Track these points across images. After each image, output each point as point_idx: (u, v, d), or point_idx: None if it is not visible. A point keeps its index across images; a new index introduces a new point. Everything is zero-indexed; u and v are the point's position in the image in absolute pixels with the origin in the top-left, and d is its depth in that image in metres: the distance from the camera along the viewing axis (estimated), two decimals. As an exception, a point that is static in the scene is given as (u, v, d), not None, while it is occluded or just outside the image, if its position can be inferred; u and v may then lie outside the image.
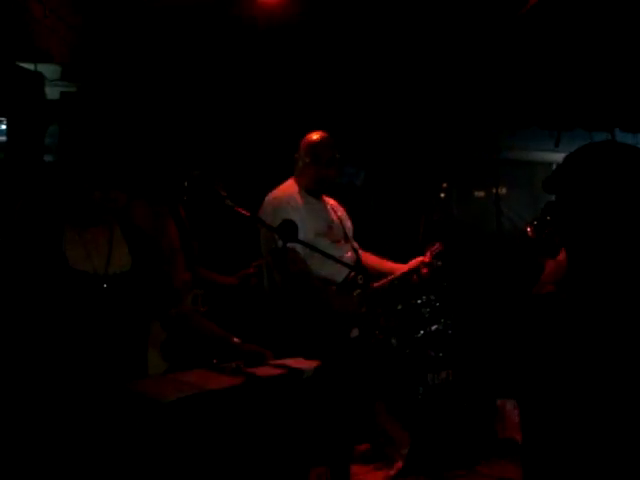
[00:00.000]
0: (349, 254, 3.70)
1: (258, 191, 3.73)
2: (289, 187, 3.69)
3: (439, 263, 4.07)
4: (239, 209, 2.84)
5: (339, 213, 3.85)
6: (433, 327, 4.53)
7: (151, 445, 1.96)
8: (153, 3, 4.48)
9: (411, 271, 3.99)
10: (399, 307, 4.58)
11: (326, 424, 3.25)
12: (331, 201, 3.89)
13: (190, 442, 2.01)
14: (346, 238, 3.78)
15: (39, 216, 2.32)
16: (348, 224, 3.90)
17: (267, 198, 3.63)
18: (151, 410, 1.95)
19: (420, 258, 4.03)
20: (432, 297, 4.57)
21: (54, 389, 2.15)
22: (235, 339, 2.44)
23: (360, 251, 3.87)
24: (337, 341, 3.42)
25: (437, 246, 4.09)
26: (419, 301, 4.56)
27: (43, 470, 2.09)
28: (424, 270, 4.01)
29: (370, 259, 3.97)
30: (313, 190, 3.70)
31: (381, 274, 3.94)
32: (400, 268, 4.00)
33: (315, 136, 3.70)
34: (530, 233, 3.78)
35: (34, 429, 2.12)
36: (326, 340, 3.33)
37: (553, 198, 1.96)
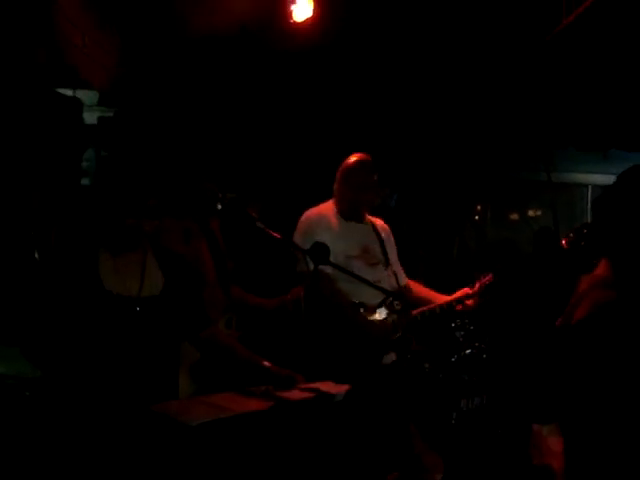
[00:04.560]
0: (387, 278, 3.63)
1: (297, 211, 3.73)
2: (325, 208, 3.67)
3: (487, 297, 3.79)
4: (271, 232, 2.85)
5: (383, 235, 3.77)
6: (467, 351, 4.47)
7: (178, 467, 1.96)
8: (188, 30, 4.55)
9: (456, 302, 3.78)
10: (432, 330, 4.53)
11: (357, 449, 3.21)
12: (378, 222, 3.81)
13: (217, 465, 2.01)
14: (386, 262, 3.71)
15: (75, 239, 2.36)
16: (391, 247, 3.81)
17: (302, 217, 3.62)
18: (178, 432, 1.96)
19: (466, 289, 3.81)
20: (466, 321, 4.51)
21: (87, 408, 2.18)
22: (265, 363, 2.44)
23: (402, 276, 3.80)
24: (367, 365, 3.39)
25: (488, 278, 3.79)
26: (453, 325, 4.50)
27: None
28: (469, 302, 3.78)
29: (415, 288, 3.88)
30: (349, 213, 3.66)
31: (424, 303, 3.79)
32: (444, 298, 3.80)
33: (352, 159, 3.67)
34: (565, 245, 3.69)
35: (65, 446, 2.14)
36: (356, 364, 3.30)
37: (589, 220, 1.96)
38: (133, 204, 2.24)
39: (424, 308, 3.74)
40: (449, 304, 3.78)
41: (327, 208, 3.68)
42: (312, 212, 3.65)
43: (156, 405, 2.13)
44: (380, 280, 3.52)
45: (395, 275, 3.72)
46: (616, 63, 5.11)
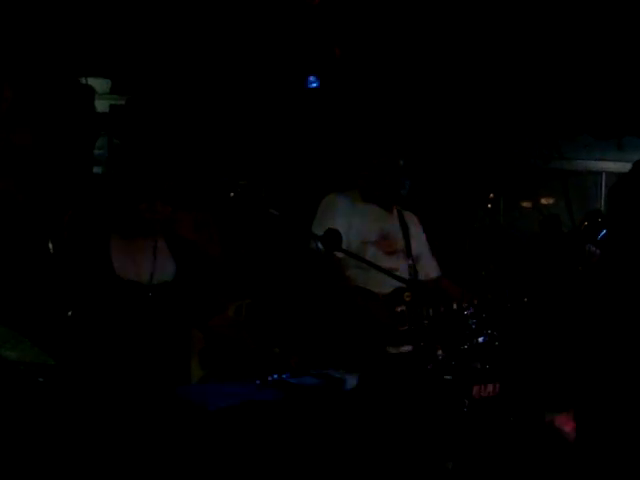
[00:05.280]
0: (403, 269, 3.60)
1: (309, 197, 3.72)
2: (349, 192, 3.64)
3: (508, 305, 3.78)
4: (283, 218, 2.85)
5: (409, 226, 3.69)
6: (480, 339, 4.45)
7: (194, 450, 1.97)
8: (200, 17, 4.55)
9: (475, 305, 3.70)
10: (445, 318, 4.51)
11: (369, 437, 3.22)
12: (408, 213, 3.74)
13: (232, 450, 2.02)
14: (407, 253, 3.64)
15: (87, 227, 2.37)
16: (417, 239, 3.72)
17: (324, 199, 3.60)
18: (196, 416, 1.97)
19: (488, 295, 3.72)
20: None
21: (100, 394, 2.19)
22: (276, 349, 2.44)
23: (428, 269, 3.76)
24: (371, 354, 3.36)
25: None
26: (465, 312, 4.48)
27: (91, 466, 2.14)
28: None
29: (444, 283, 3.83)
30: (372, 195, 3.63)
31: (446, 298, 3.76)
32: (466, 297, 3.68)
33: (373, 142, 3.67)
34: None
35: (78, 432, 2.16)
36: (360, 352, 3.28)
37: (601, 207, 1.95)
38: (145, 189, 2.25)
39: (440, 305, 3.68)
40: (469, 303, 3.73)
41: (351, 192, 3.64)
42: (334, 194, 3.61)
43: (173, 388, 2.14)
44: (396, 269, 3.49)
45: (415, 267, 3.66)
46: (631, 49, 5.06)
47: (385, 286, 3.44)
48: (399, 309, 3.50)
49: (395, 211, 3.71)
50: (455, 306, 3.67)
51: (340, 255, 3.22)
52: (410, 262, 3.63)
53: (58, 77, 4.53)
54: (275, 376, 2.27)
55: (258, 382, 2.23)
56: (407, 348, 3.61)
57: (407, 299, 3.49)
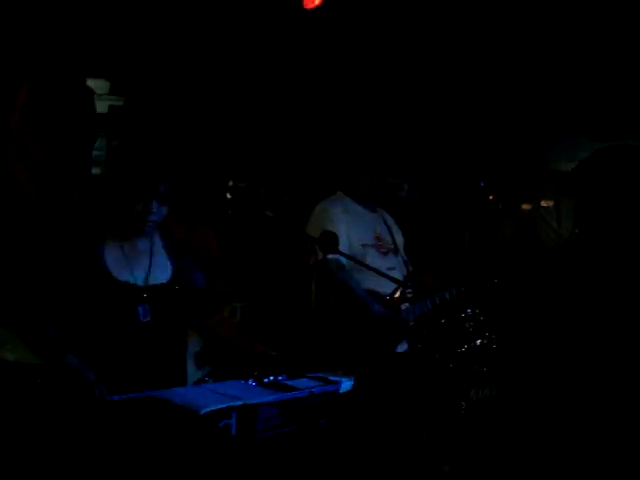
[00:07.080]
0: (399, 266, 3.65)
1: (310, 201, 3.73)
2: (338, 197, 3.68)
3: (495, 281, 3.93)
4: (280, 220, 2.85)
5: (389, 223, 3.80)
6: (477, 342, 4.45)
7: (186, 454, 1.97)
8: (198, 17, 4.55)
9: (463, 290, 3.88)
10: (442, 321, 4.52)
11: (366, 438, 3.21)
12: (386, 214, 3.84)
13: (225, 453, 2.01)
14: (396, 250, 3.73)
15: (82, 228, 2.37)
16: (399, 236, 3.85)
17: (316, 207, 3.63)
18: (186, 420, 1.96)
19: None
20: (476, 311, 4.49)
21: (95, 397, 2.18)
22: (272, 352, 2.44)
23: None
24: (382, 354, 3.39)
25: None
26: (463, 315, 4.49)
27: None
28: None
29: (424, 278, 3.89)
30: (361, 198, 3.66)
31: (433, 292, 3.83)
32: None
33: (359, 144, 3.70)
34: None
35: (73, 434, 2.15)
36: (370, 353, 3.30)
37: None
38: (142, 190, 2.25)
39: (436, 295, 3.74)
40: (459, 290, 3.78)
41: (339, 196, 3.68)
42: (327, 201, 3.64)
43: (164, 391, 2.13)
44: (393, 268, 3.54)
45: (406, 263, 3.73)
46: (630, 52, 5.06)
47: (385, 286, 3.48)
48: (404, 307, 3.54)
49: (378, 211, 3.76)
50: (448, 296, 3.73)
51: (344, 261, 3.24)
52: (401, 259, 3.69)
53: (64, 80, 4.52)
54: (271, 378, 2.26)
55: (254, 384, 2.22)
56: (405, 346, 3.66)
57: (409, 295, 3.53)
